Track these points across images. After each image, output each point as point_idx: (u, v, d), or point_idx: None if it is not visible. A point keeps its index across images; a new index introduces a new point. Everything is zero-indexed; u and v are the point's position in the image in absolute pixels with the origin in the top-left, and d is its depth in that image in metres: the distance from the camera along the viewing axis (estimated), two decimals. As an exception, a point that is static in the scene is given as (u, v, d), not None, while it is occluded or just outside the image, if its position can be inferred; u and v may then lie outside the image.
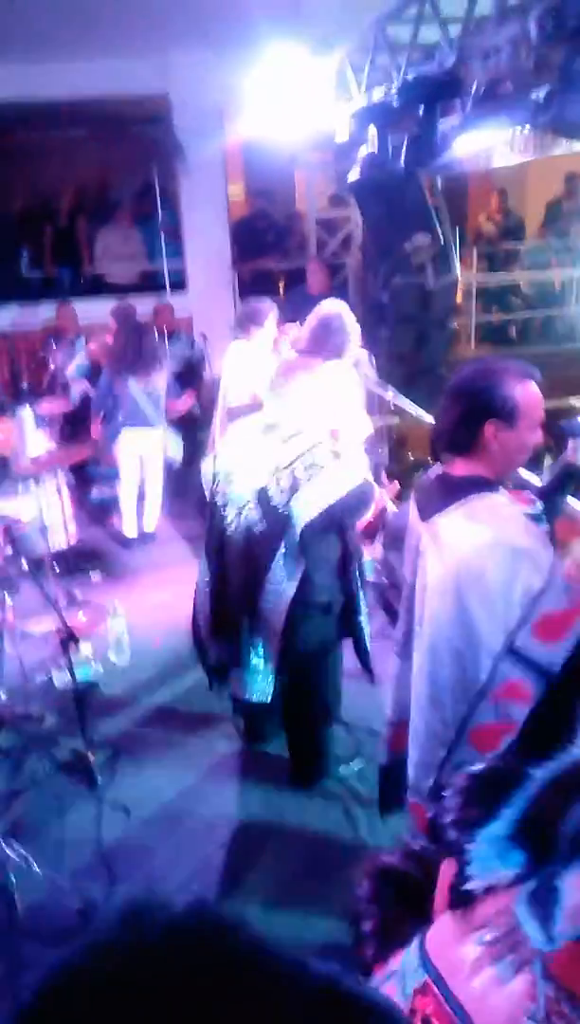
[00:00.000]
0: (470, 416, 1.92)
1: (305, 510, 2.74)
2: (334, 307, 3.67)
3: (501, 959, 0.85)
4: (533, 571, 1.84)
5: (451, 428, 1.97)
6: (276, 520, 2.79)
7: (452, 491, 1.98)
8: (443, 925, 0.94)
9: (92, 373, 6.40)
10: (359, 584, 3.06)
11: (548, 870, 0.89)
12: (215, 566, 3.06)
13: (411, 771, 2.20)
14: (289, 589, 2.83)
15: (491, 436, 1.90)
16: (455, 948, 0.89)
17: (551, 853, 0.91)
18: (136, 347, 5.49)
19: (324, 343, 3.53)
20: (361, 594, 3.09)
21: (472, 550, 1.88)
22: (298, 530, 2.76)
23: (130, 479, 5.72)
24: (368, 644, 3.14)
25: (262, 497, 2.81)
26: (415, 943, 0.96)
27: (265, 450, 2.85)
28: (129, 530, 5.80)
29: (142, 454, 5.66)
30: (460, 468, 1.99)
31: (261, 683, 2.98)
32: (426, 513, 2.06)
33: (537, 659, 1.85)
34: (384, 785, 2.40)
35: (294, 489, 2.74)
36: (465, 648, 1.93)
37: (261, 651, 2.95)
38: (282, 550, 2.80)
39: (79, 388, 6.57)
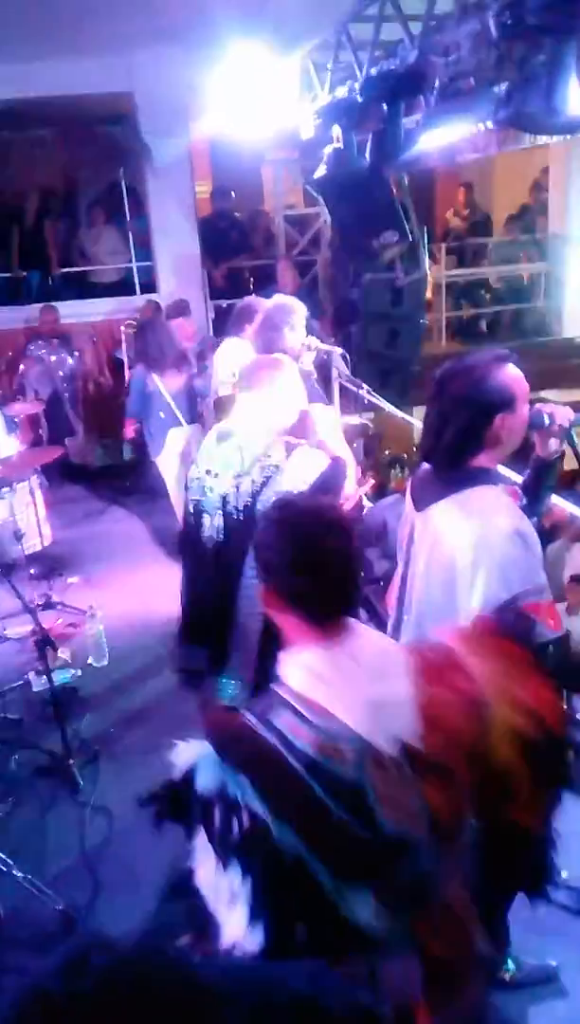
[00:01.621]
0: (478, 420, 1.94)
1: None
2: (270, 302, 3.68)
3: None
4: (520, 566, 1.86)
5: (460, 439, 1.96)
6: (240, 526, 2.77)
7: (450, 482, 1.99)
8: None
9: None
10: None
11: None
12: (191, 572, 3.03)
13: None
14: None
15: (500, 427, 1.94)
16: None
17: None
18: (160, 346, 5.44)
19: (258, 338, 3.55)
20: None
21: (463, 539, 1.90)
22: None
23: (170, 477, 5.59)
24: None
25: (225, 504, 2.81)
26: None
27: (225, 456, 2.85)
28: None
29: (176, 452, 5.55)
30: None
31: (234, 690, 2.95)
32: (421, 504, 2.09)
33: None
34: None
35: (255, 494, 2.74)
36: None
37: (236, 658, 2.93)
38: (251, 555, 2.79)
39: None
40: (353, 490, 3.11)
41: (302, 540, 1.40)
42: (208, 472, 2.86)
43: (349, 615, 1.40)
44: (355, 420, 3.62)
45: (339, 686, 1.30)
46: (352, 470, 3.02)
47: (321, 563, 1.36)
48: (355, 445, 5.26)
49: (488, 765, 1.32)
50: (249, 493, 2.75)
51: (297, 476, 2.75)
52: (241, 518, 2.77)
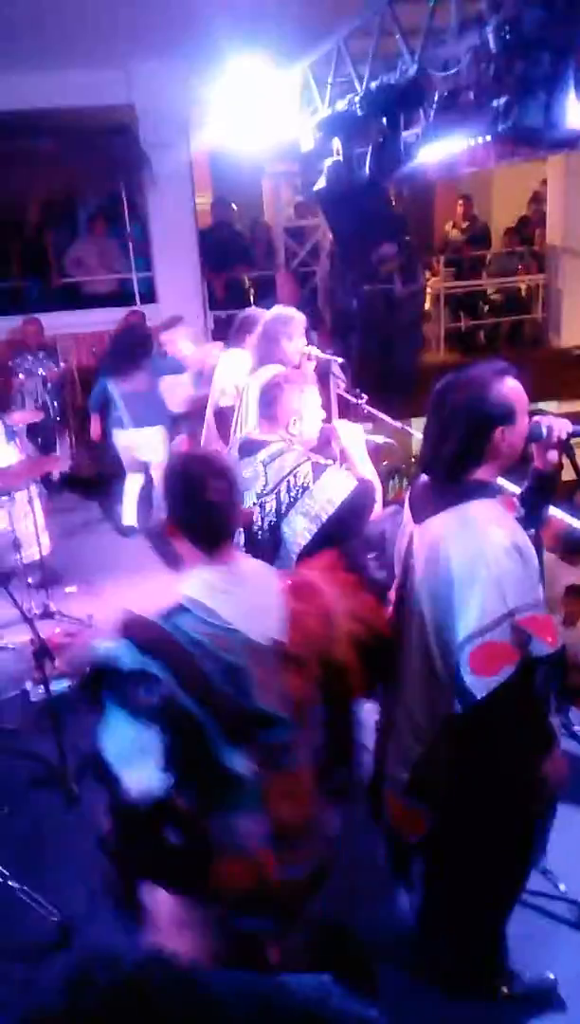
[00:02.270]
0: (477, 433, 1.93)
1: (296, 536, 2.66)
2: (270, 313, 3.69)
3: None
4: (517, 580, 1.87)
5: (459, 452, 1.96)
6: (265, 545, 2.69)
7: (448, 495, 1.99)
8: None
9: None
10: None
11: None
12: None
13: (389, 762, 2.22)
14: None
15: (499, 440, 1.94)
16: None
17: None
18: (120, 350, 5.62)
19: (257, 348, 3.55)
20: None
21: (460, 552, 1.90)
22: (293, 556, 2.66)
23: (129, 476, 6.11)
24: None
25: (249, 523, 2.72)
26: None
27: (248, 474, 2.76)
28: (128, 519, 6.22)
29: (135, 454, 5.86)
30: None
31: None
32: (419, 516, 2.08)
33: (464, 680, 1.89)
34: (375, 794, 2.35)
35: (280, 514, 2.67)
36: (446, 650, 1.96)
37: None
38: None
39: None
40: (381, 512, 2.97)
41: (191, 481, 1.77)
42: None
43: (229, 543, 1.81)
44: (379, 439, 3.54)
45: (227, 594, 1.72)
46: (379, 491, 2.91)
47: (203, 500, 1.73)
48: (384, 464, 5.25)
49: (331, 661, 1.79)
50: (274, 512, 2.68)
51: (325, 498, 2.67)
52: (265, 537, 2.69)
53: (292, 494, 2.65)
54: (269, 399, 2.88)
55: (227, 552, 1.77)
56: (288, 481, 2.67)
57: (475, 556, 1.87)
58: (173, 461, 1.91)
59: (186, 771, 1.59)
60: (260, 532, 2.70)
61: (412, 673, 2.12)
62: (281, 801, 1.74)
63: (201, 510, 1.74)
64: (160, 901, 1.76)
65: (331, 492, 2.67)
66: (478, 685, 1.88)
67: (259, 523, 2.70)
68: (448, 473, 1.99)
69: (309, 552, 2.63)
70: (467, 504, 1.94)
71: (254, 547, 2.68)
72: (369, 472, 2.85)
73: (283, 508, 2.67)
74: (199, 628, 1.65)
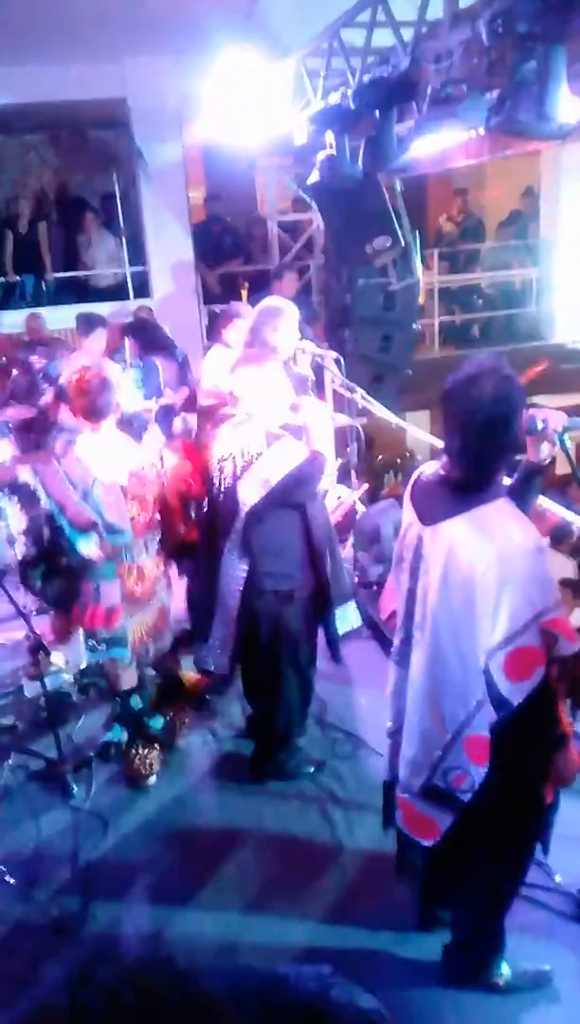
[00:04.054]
0: (512, 423, 1.91)
1: (247, 495, 2.92)
2: (261, 303, 3.65)
3: None
4: (540, 581, 1.87)
5: (498, 447, 1.91)
6: (223, 506, 3.00)
7: (463, 497, 1.96)
8: None
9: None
10: (332, 570, 3.13)
11: None
12: (201, 549, 3.27)
13: (403, 768, 2.20)
14: (240, 573, 3.01)
15: (519, 429, 1.95)
16: None
17: None
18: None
19: (245, 343, 3.52)
20: (339, 580, 3.19)
21: (484, 557, 1.87)
22: (244, 514, 2.95)
23: None
24: (337, 632, 3.31)
25: (211, 485, 3.05)
26: None
27: (220, 441, 3.06)
28: None
29: None
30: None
31: (218, 658, 3.17)
32: (430, 517, 2.04)
33: (499, 689, 1.90)
34: (388, 800, 2.35)
35: (236, 477, 2.94)
36: (469, 652, 1.94)
37: (221, 629, 3.12)
38: (230, 535, 3.00)
39: None
40: (329, 485, 3.29)
41: (80, 380, 3.03)
42: (209, 457, 3.16)
43: (103, 420, 3.11)
44: (345, 420, 3.62)
45: (95, 451, 3.05)
46: (331, 466, 3.22)
47: (85, 389, 3.04)
48: (349, 449, 5.25)
49: (165, 503, 3.17)
50: (231, 475, 2.95)
51: (274, 465, 2.91)
52: (219, 500, 3.00)
53: (246, 459, 2.92)
54: (236, 376, 3.11)
55: (101, 426, 3.10)
56: (244, 448, 2.93)
57: (500, 561, 1.85)
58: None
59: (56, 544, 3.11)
60: (220, 494, 3.00)
61: (423, 678, 2.10)
62: (127, 578, 3.20)
63: (84, 397, 3.01)
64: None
65: (282, 460, 2.92)
66: (514, 691, 1.88)
67: (218, 485, 3.01)
68: (486, 474, 1.94)
69: (258, 512, 2.93)
70: (485, 506, 1.91)
71: (218, 506, 3.03)
72: (324, 447, 3.12)
73: (239, 471, 2.94)
74: (74, 468, 3.01)
